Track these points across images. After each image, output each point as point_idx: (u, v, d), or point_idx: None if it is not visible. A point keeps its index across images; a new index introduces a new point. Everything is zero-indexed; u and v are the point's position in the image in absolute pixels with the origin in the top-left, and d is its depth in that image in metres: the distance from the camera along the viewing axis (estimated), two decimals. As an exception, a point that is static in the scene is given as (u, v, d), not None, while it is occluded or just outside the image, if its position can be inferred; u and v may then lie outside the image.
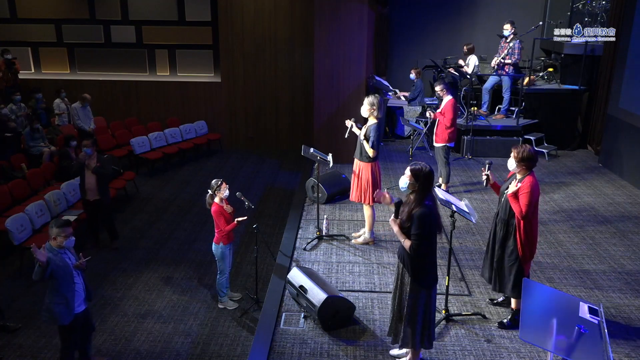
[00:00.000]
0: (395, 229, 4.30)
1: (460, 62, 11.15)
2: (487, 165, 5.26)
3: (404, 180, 4.34)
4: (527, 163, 4.86)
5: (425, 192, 4.20)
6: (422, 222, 4.12)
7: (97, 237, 7.82)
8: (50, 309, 4.70)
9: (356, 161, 6.68)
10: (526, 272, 5.08)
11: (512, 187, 4.87)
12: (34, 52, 12.71)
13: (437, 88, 8.25)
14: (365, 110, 6.48)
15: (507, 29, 10.33)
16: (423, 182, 4.19)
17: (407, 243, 4.22)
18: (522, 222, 4.90)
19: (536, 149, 10.28)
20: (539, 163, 5.51)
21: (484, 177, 5.23)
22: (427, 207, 4.16)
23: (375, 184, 6.62)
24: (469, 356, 4.84)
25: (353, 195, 6.80)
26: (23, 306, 6.26)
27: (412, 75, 11.08)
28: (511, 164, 4.97)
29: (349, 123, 6.74)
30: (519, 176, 4.93)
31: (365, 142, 6.46)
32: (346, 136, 6.80)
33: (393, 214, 4.37)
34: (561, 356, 3.36)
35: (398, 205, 4.34)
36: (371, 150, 6.44)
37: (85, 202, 7.55)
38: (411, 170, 4.25)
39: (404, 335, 4.46)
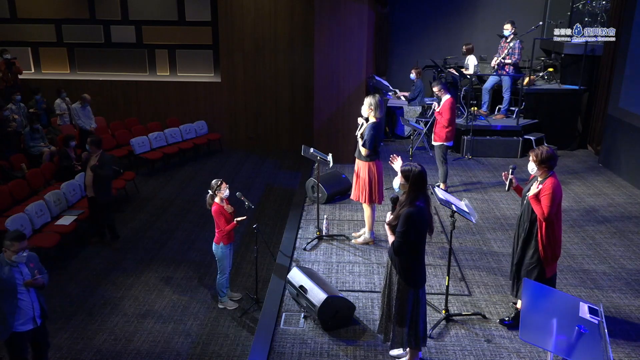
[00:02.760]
0: (386, 225, 4.33)
1: (463, 70, 11.11)
2: (511, 170, 5.20)
3: (397, 182, 4.35)
4: (548, 164, 4.80)
5: (416, 193, 4.20)
6: (407, 221, 4.12)
7: (100, 234, 7.88)
8: None
9: (356, 160, 6.72)
10: (548, 274, 4.94)
11: (534, 189, 4.83)
12: (34, 52, 12.70)
13: (435, 89, 8.25)
14: (364, 109, 6.51)
15: (508, 29, 10.33)
16: (413, 182, 4.20)
17: (390, 239, 4.26)
18: (544, 223, 4.82)
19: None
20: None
21: (507, 182, 5.15)
22: (416, 208, 4.16)
23: (372, 184, 6.62)
24: (469, 356, 4.84)
25: (353, 194, 6.85)
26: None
27: (412, 75, 11.08)
28: (532, 167, 4.88)
29: (360, 120, 6.75)
30: (540, 178, 4.87)
31: (360, 141, 6.52)
32: (357, 134, 6.81)
33: (390, 211, 4.38)
34: (561, 356, 3.36)
35: (395, 201, 4.35)
36: (364, 149, 6.48)
37: (87, 198, 7.77)
38: (401, 171, 4.28)
39: (394, 335, 4.47)
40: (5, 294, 4.37)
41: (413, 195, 4.20)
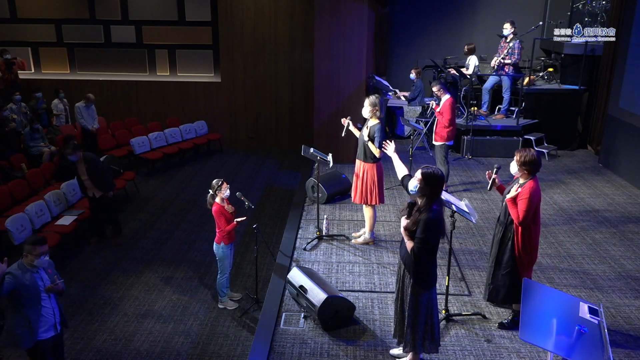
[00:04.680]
0: (402, 229, 4.28)
1: (463, 70, 11.11)
2: (495, 169, 5.15)
3: (414, 183, 4.30)
4: (529, 167, 4.74)
5: (434, 196, 4.17)
6: (428, 227, 4.09)
7: (100, 234, 7.94)
8: (10, 331, 4.29)
9: (359, 162, 6.64)
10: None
11: (512, 192, 4.79)
12: (34, 52, 12.70)
13: (434, 89, 8.23)
14: (367, 111, 6.46)
15: (507, 29, 10.32)
16: (433, 186, 4.15)
17: (409, 245, 4.21)
18: (520, 228, 4.79)
19: (536, 148, 10.30)
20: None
21: (490, 181, 5.11)
22: (435, 212, 4.13)
23: (381, 185, 6.62)
24: (469, 356, 4.84)
25: (356, 197, 6.76)
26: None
27: (412, 75, 11.08)
28: (513, 167, 4.86)
29: (345, 121, 6.74)
30: (521, 180, 4.83)
31: (371, 144, 6.42)
32: (342, 134, 6.80)
33: (405, 215, 4.31)
34: (561, 356, 3.36)
35: (411, 206, 4.29)
36: (377, 150, 6.41)
37: (89, 199, 7.80)
38: (422, 174, 4.18)
39: (407, 339, 4.44)
40: (29, 301, 4.25)
41: (431, 199, 4.15)
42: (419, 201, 4.22)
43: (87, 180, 7.56)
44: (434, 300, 4.41)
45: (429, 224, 4.09)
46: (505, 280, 4.98)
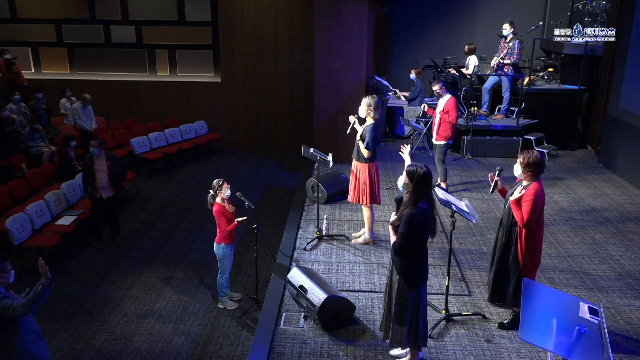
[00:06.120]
0: (389, 225, 4.33)
1: (463, 70, 11.10)
2: (497, 171, 5.13)
3: (401, 181, 4.35)
4: (533, 169, 4.71)
5: (420, 194, 4.18)
6: (409, 222, 4.11)
7: (100, 235, 7.92)
8: (29, 353, 3.93)
9: (354, 162, 6.67)
10: None
11: (516, 194, 4.76)
12: (34, 52, 12.70)
13: (436, 87, 8.24)
14: (362, 111, 6.46)
15: (506, 29, 10.31)
16: (418, 183, 4.17)
17: (393, 240, 4.25)
18: (524, 230, 4.75)
19: (536, 148, 10.29)
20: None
21: (493, 183, 5.10)
22: (419, 209, 4.14)
23: (373, 185, 6.61)
24: (469, 356, 4.84)
25: (350, 196, 6.79)
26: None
27: (412, 75, 11.08)
28: (517, 169, 4.83)
29: (352, 119, 6.74)
30: (524, 182, 4.79)
31: (361, 143, 6.44)
32: (348, 132, 6.80)
33: (395, 211, 4.36)
34: (561, 356, 3.36)
35: (399, 202, 4.34)
36: (366, 151, 6.43)
37: (95, 199, 7.64)
38: (406, 171, 4.25)
39: (393, 334, 4.47)
40: (22, 320, 3.91)
41: (416, 197, 4.17)
42: (406, 197, 4.26)
43: (105, 177, 7.50)
44: (422, 299, 4.40)
45: (411, 219, 4.10)
46: (511, 284, 4.95)
